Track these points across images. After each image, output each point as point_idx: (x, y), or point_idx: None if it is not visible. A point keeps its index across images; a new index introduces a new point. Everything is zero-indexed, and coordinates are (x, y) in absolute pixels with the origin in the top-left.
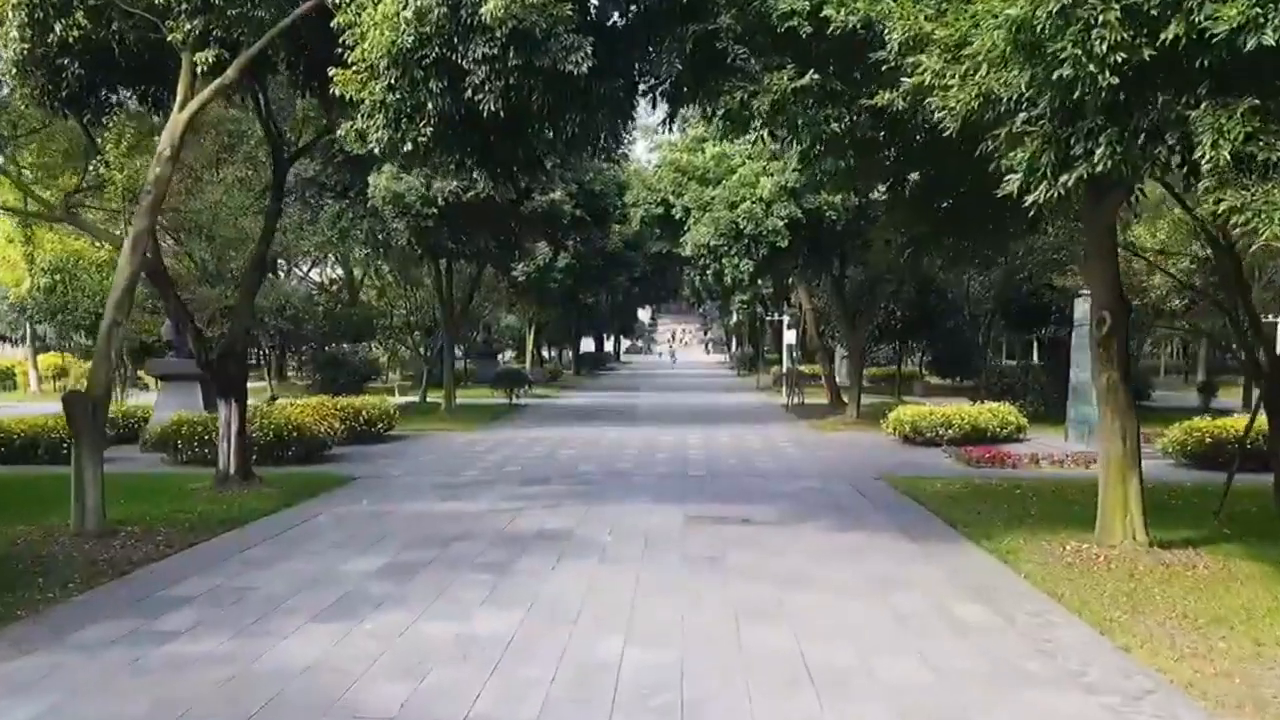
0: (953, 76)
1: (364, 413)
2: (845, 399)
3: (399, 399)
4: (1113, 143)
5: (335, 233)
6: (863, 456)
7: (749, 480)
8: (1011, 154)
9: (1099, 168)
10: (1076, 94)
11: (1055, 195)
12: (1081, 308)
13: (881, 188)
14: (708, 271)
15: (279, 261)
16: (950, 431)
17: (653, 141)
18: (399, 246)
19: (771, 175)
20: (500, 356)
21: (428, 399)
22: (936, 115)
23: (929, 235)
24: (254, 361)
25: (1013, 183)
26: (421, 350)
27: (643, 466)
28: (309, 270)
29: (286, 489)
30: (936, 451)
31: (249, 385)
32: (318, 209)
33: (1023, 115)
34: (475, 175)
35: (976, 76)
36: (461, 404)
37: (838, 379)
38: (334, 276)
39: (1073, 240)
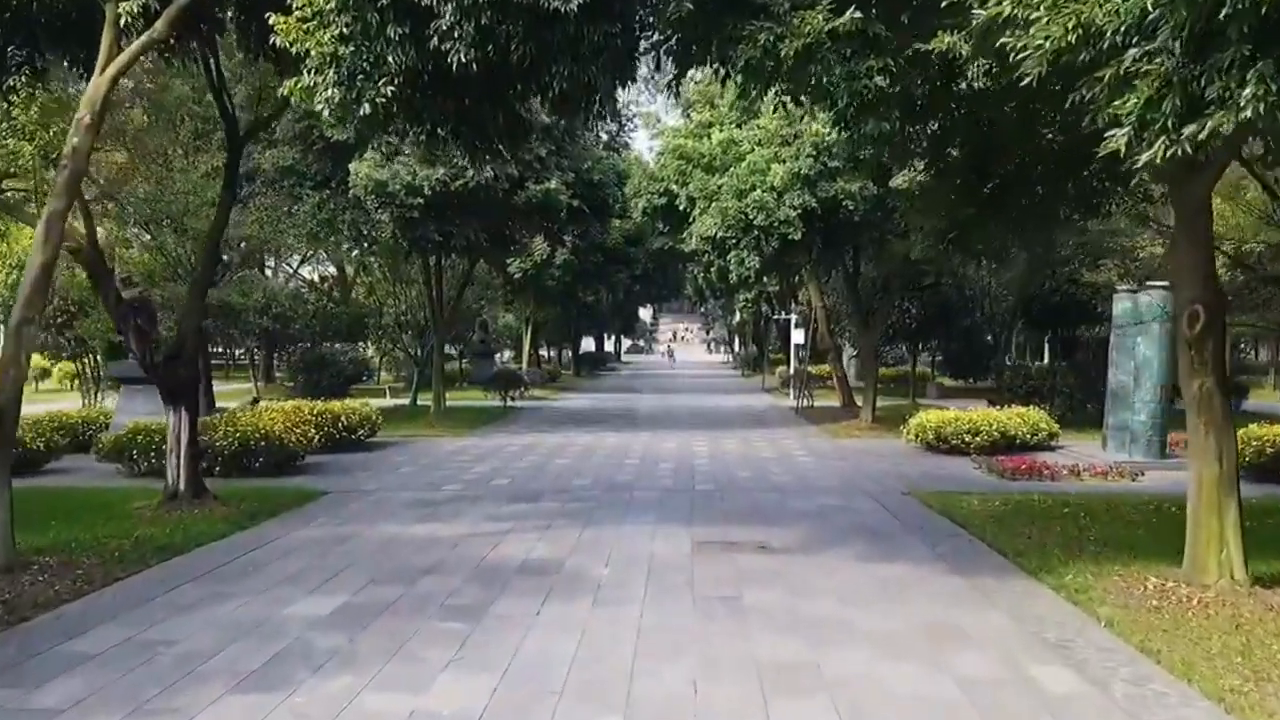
0: (1040, 5)
1: (343, 418)
2: (857, 402)
3: (389, 401)
4: (1265, 80)
5: (316, 225)
6: (885, 467)
7: (763, 496)
8: (1118, 102)
9: (1246, 113)
10: (1223, 12)
11: (1178, 153)
12: (1122, 304)
13: (918, 165)
14: (711, 269)
15: (264, 258)
16: (977, 439)
17: (654, 129)
18: (384, 240)
19: (784, 162)
20: (498, 356)
21: (418, 401)
22: (1016, 58)
23: (973, 220)
24: (245, 361)
25: (1118, 139)
26: (411, 351)
27: (644, 479)
28: (299, 266)
29: (245, 507)
30: (963, 461)
31: (232, 387)
32: (297, 200)
33: (1135, 50)
34: (450, 148)
35: (1074, 4)
36: (453, 406)
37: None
38: (324, 273)
39: (1115, 231)
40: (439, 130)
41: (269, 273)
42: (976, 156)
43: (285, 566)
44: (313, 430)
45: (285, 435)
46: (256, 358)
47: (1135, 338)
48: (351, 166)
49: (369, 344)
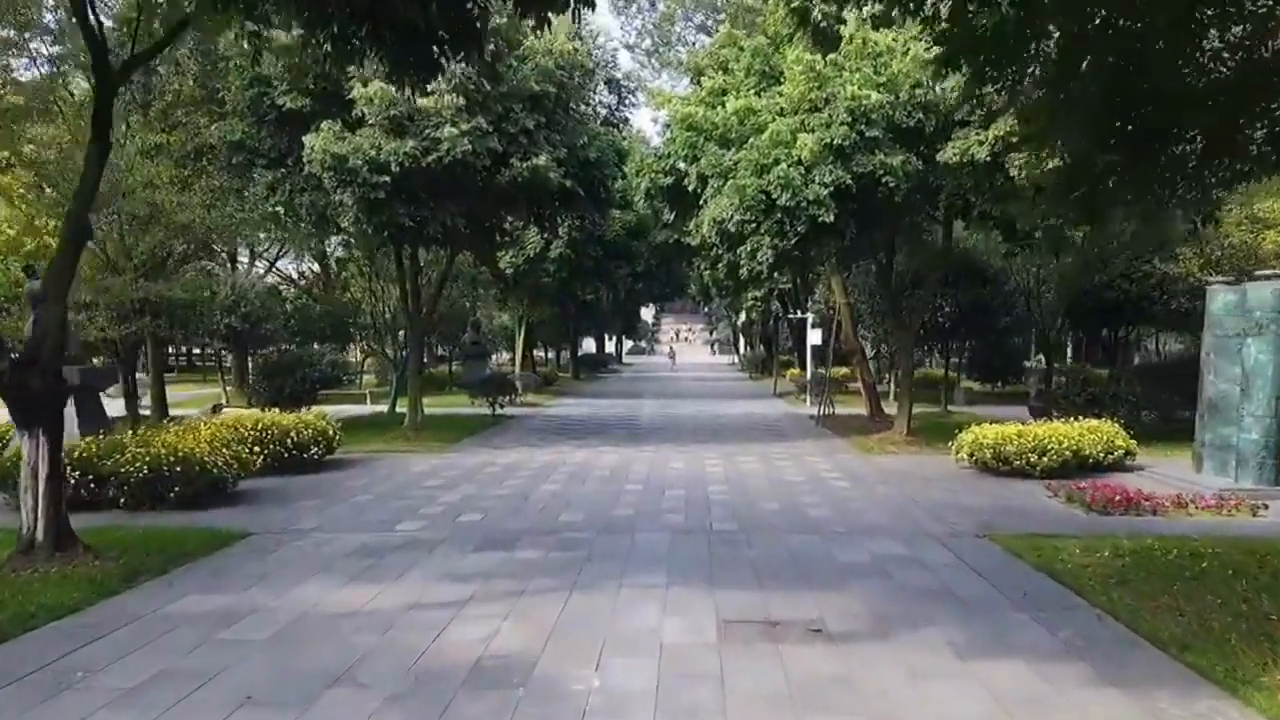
0: None
1: (293, 434)
2: (884, 410)
3: (369, 408)
4: None
5: (271, 207)
6: (940, 495)
7: (801, 540)
8: None
9: None
10: None
11: None
12: (1222, 299)
13: (1030, 98)
14: (719, 264)
15: (235, 250)
16: (1044, 459)
17: (658, 101)
18: (346, 225)
19: (813, 131)
20: (494, 358)
21: (398, 409)
22: None
23: (1107, 175)
24: (226, 364)
25: None
26: (389, 352)
27: (649, 513)
28: (275, 260)
29: (126, 560)
30: (1032, 487)
31: (206, 391)
32: (250, 180)
33: None
34: (367, 54)
35: None
36: (436, 415)
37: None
38: (303, 269)
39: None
40: (350, 36)
41: (242, 266)
42: (1115, 84)
43: (130, 669)
44: (256, 449)
45: (210, 458)
46: (226, 361)
47: (1244, 339)
48: (306, 139)
49: (355, 346)
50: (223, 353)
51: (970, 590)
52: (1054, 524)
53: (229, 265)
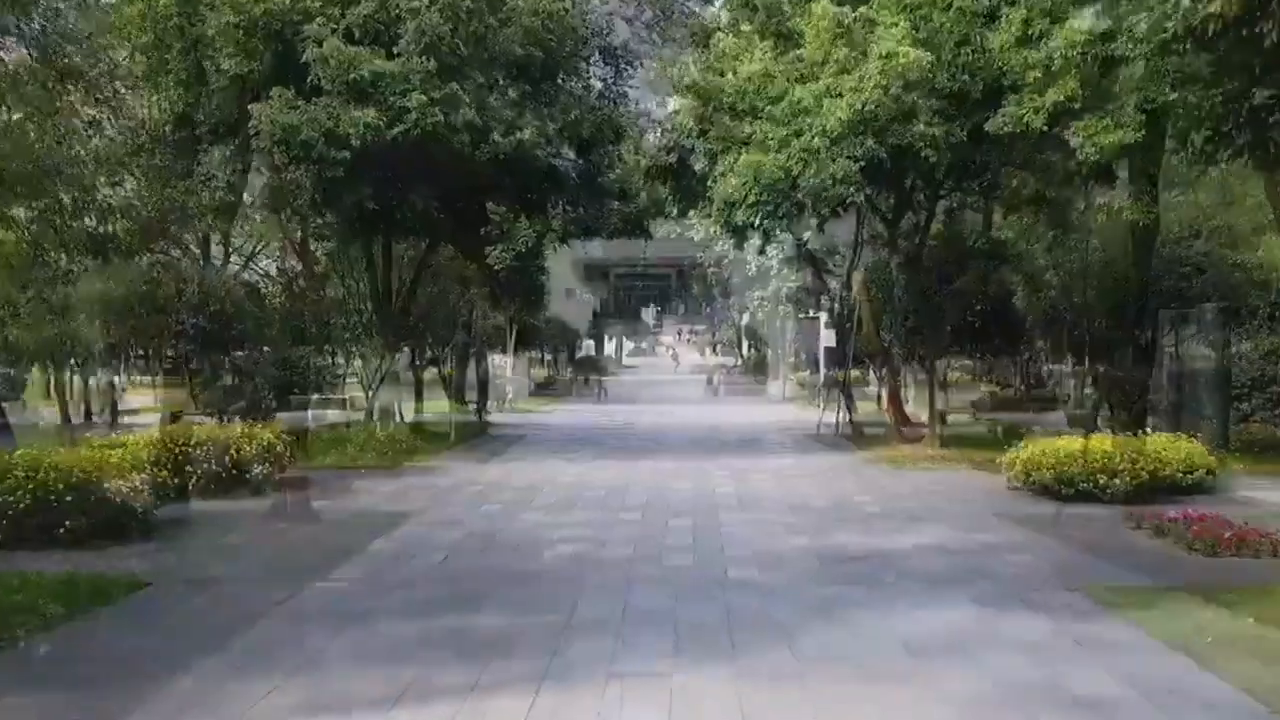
0: None
1: (234, 450)
2: (908, 417)
3: (349, 415)
4: None
5: (218, 190)
6: (1000, 529)
7: (842, 595)
8: None
9: None
10: None
11: None
12: None
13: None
14: (723, 263)
15: (209, 244)
16: (1115, 481)
17: (659, 64)
18: (305, 210)
19: (841, 96)
20: (492, 360)
21: (393, 414)
22: None
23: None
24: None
25: None
26: (363, 355)
27: (649, 555)
28: (253, 255)
29: None
30: (1107, 515)
31: (179, 395)
32: (193, 159)
33: None
34: None
35: None
36: (419, 421)
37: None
38: (287, 266)
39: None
40: None
41: (216, 262)
42: None
43: None
44: (188, 469)
45: (114, 483)
46: (193, 364)
47: None
48: (253, 108)
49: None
50: (185, 356)
51: (1092, 685)
52: (1155, 571)
53: (199, 260)
